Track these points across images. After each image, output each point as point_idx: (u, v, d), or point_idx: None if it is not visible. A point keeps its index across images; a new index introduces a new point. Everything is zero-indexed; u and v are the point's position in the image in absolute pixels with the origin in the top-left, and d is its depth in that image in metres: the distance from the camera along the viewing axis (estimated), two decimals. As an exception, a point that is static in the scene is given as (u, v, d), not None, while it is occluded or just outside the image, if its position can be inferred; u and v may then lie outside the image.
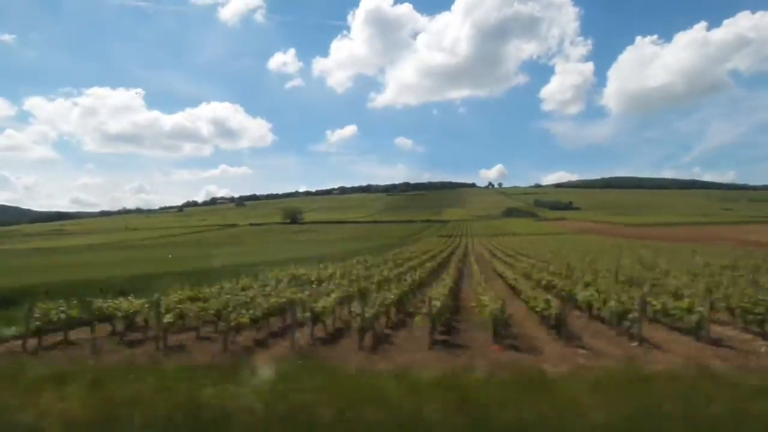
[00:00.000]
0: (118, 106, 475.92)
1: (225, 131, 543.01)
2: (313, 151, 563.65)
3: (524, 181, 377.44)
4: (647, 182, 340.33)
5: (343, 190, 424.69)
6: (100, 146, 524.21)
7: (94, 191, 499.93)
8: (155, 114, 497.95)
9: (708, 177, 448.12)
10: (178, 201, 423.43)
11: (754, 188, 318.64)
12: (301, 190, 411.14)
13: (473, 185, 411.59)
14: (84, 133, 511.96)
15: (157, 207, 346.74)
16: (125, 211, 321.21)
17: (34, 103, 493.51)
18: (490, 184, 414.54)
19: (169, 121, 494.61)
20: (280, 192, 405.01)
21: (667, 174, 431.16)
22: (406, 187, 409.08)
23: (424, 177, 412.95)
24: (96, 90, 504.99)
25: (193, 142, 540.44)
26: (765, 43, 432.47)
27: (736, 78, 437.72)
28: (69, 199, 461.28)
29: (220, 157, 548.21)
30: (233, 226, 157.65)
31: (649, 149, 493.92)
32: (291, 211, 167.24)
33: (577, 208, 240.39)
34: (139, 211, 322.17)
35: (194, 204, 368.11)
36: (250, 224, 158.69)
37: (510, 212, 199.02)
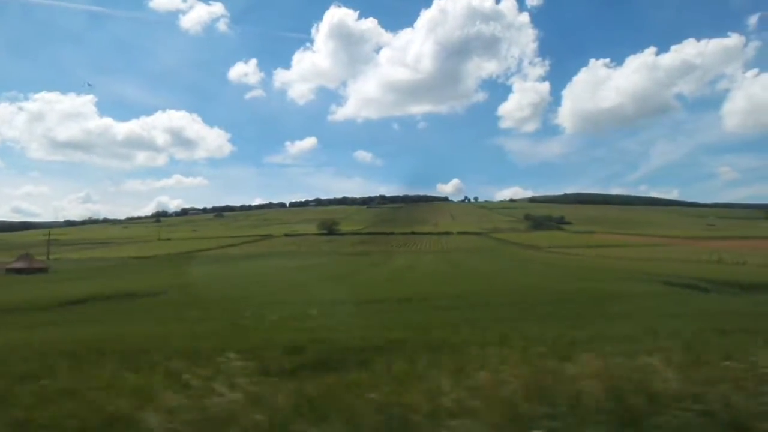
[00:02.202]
0: (67, 112, 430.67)
1: (181, 140, 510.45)
2: (271, 163, 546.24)
3: (480, 196, 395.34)
4: (616, 199, 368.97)
5: (319, 202, 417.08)
6: (47, 153, 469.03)
7: (38, 200, 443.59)
8: (107, 121, 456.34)
9: (654, 194, 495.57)
10: (127, 212, 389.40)
11: (703, 205, 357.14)
12: (257, 202, 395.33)
13: (446, 199, 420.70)
14: (30, 140, 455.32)
15: (104, 217, 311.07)
16: (91, 221, 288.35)
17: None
18: (466, 198, 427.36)
19: (122, 128, 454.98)
20: (252, 203, 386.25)
21: (615, 191, 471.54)
22: (382, 200, 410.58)
23: (382, 190, 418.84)
24: (44, 95, 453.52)
25: (147, 151, 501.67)
26: (708, 70, 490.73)
27: (681, 101, 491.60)
28: (9, 209, 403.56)
29: (174, 167, 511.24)
30: (268, 236, 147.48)
31: (599, 167, 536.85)
32: (329, 222, 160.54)
33: (569, 223, 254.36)
34: (106, 221, 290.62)
35: (164, 214, 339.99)
36: (285, 235, 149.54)
37: (536, 226, 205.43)
